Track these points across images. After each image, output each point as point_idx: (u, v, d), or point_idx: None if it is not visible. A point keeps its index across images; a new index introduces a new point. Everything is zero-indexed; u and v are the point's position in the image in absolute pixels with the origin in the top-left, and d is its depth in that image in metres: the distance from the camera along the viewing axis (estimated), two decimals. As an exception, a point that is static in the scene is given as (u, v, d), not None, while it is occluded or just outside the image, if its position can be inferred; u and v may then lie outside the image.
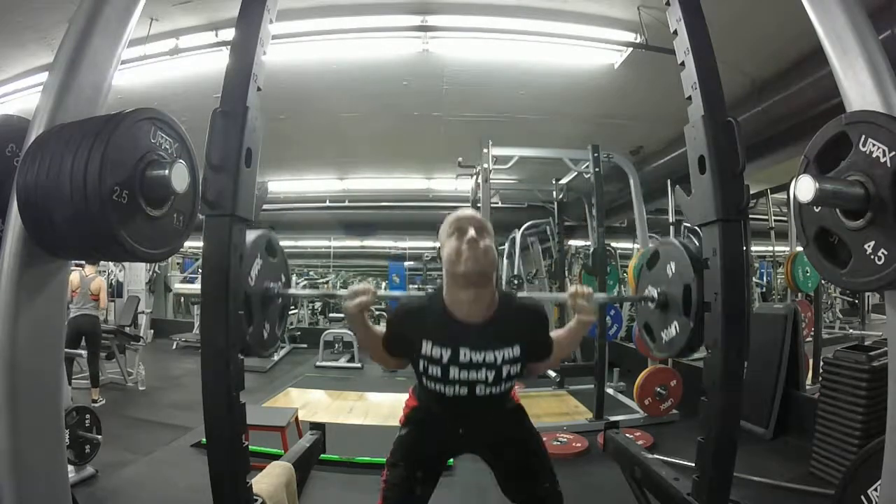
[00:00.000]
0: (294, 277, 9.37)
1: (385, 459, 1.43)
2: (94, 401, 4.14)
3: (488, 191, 4.11)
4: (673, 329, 1.46)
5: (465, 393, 1.28)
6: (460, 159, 4.79)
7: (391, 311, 1.40)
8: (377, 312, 7.27)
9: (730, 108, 1.29)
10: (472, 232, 1.24)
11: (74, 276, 4.49)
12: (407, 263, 9.12)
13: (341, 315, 8.35)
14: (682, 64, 1.31)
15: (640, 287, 1.63)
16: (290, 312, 8.09)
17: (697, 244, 1.40)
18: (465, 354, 1.26)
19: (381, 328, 1.39)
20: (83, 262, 4.53)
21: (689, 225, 3.58)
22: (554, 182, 5.50)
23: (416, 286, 8.12)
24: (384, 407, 4.38)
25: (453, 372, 1.26)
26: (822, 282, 4.22)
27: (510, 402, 1.47)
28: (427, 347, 1.28)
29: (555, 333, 1.46)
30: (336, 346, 6.83)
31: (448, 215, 1.33)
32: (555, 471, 1.43)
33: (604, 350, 3.84)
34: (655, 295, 1.51)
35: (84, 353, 4.23)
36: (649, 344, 1.64)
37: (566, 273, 6.10)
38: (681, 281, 1.40)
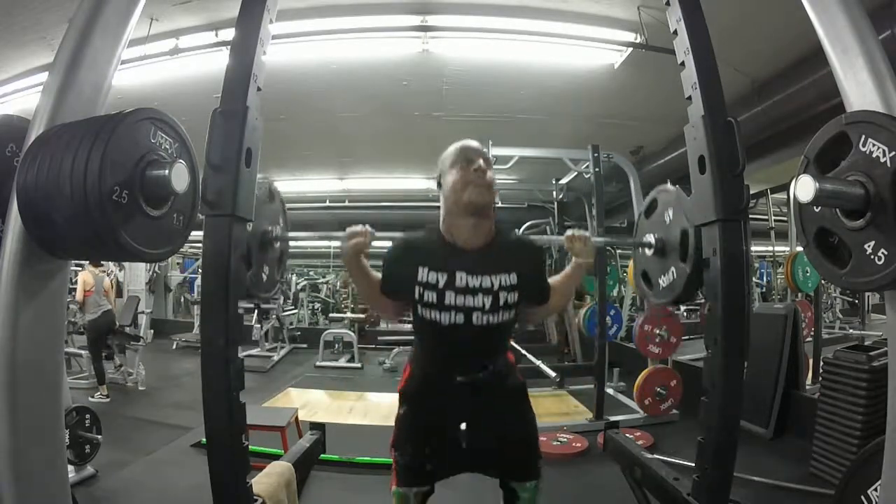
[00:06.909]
0: (294, 277, 9.37)
1: (389, 453, 1.44)
2: (106, 395, 4.24)
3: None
4: (671, 275, 1.48)
5: (461, 321, 1.26)
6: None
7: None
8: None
9: (730, 108, 1.29)
10: (480, 162, 1.26)
11: (88, 277, 4.49)
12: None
13: (341, 315, 8.35)
14: (682, 64, 1.32)
15: (638, 234, 1.64)
16: (290, 312, 8.13)
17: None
18: (461, 279, 1.26)
19: (378, 274, 1.39)
20: (86, 262, 4.52)
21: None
22: (554, 182, 5.50)
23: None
24: (384, 407, 4.38)
25: (449, 297, 1.25)
26: (822, 282, 4.22)
27: (512, 375, 1.42)
28: (423, 273, 1.27)
29: (552, 279, 1.46)
30: (336, 346, 6.82)
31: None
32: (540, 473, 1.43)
33: (604, 350, 3.84)
34: (653, 241, 1.54)
35: (84, 352, 4.23)
36: (646, 291, 1.65)
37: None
38: (678, 226, 1.42)
